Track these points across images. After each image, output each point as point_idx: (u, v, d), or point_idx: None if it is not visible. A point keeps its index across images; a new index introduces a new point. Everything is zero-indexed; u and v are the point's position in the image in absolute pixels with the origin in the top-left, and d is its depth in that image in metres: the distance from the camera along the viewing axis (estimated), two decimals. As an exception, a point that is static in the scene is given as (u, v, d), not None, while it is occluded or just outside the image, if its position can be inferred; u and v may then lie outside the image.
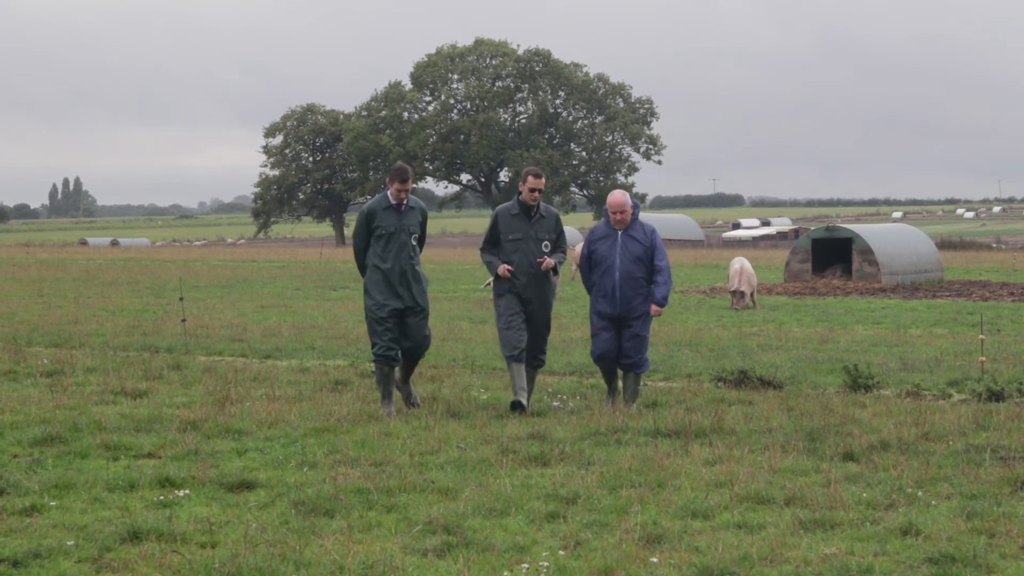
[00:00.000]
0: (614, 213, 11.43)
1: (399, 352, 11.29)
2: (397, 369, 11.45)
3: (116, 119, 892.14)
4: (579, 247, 39.37)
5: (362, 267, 11.50)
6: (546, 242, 11.53)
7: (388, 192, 11.36)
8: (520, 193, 11.58)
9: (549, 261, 11.48)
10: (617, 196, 11.54)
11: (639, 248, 11.39)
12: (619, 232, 11.44)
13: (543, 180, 11.52)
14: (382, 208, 11.29)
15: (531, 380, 11.63)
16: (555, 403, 11.81)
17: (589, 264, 11.62)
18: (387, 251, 11.24)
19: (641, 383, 11.78)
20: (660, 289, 11.44)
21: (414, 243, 11.36)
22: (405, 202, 11.29)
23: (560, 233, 11.68)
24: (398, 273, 11.23)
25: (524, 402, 11.26)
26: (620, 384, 11.80)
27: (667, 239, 70.54)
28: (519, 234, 11.47)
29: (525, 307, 11.47)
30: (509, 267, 11.41)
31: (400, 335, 11.29)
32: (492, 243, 11.60)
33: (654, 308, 11.43)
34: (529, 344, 11.49)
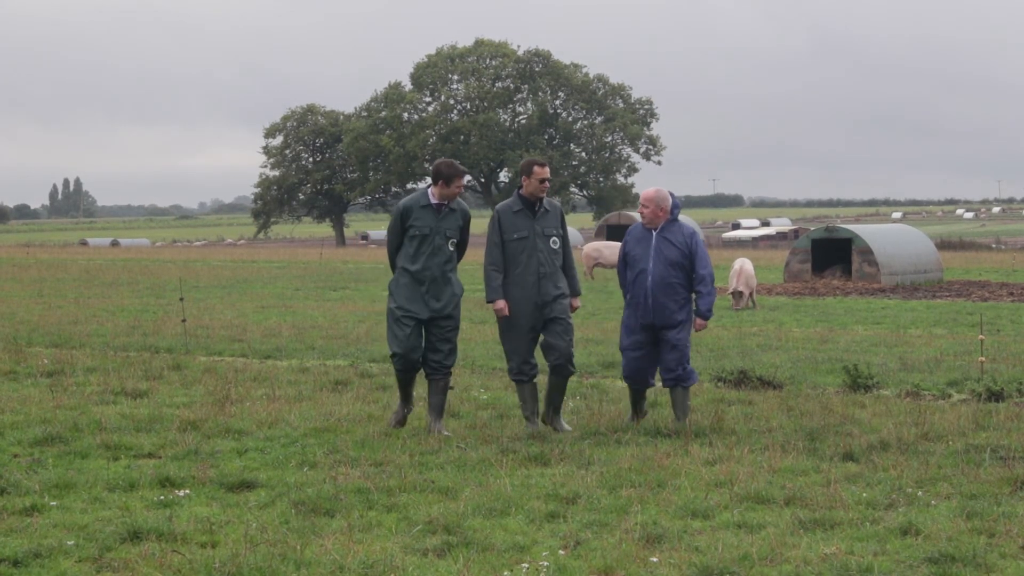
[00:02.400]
0: (640, 207, 10.53)
1: (420, 356, 10.21)
2: (430, 404, 10.33)
3: (116, 119, 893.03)
4: (586, 248, 39.15)
5: (394, 266, 10.47)
6: (554, 238, 10.44)
7: (428, 190, 10.32)
8: (521, 187, 10.49)
9: (576, 303, 10.50)
10: (648, 190, 10.54)
11: (675, 252, 10.36)
12: (654, 233, 10.46)
13: (548, 169, 10.52)
14: (419, 206, 10.23)
15: (560, 388, 10.48)
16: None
17: (626, 265, 10.65)
18: (419, 254, 10.18)
19: (690, 397, 10.77)
20: (705, 300, 10.39)
21: (451, 248, 10.26)
22: (447, 203, 10.28)
23: (565, 228, 10.62)
24: (428, 279, 10.16)
25: (536, 430, 10.30)
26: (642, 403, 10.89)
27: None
28: (524, 232, 10.37)
29: (540, 311, 10.33)
30: (505, 308, 10.32)
31: (422, 340, 10.23)
32: (498, 248, 10.41)
33: (699, 322, 10.47)
34: (552, 351, 10.37)
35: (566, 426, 10.43)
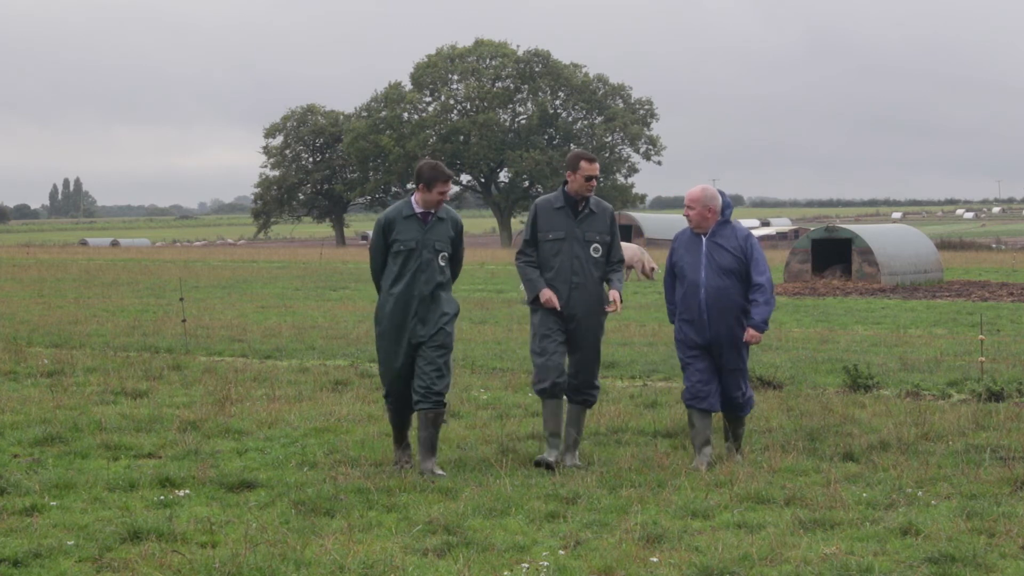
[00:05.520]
0: (685, 209, 9.24)
1: (411, 397, 8.93)
2: (420, 438, 8.96)
3: (117, 120, 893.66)
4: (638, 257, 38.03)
5: (379, 287, 9.11)
6: (596, 245, 9.18)
7: (412, 198, 9.01)
8: (566, 183, 9.25)
9: (615, 296, 9.24)
10: (694, 190, 9.20)
11: (728, 258, 9.07)
12: (704, 238, 9.16)
13: (597, 164, 9.23)
14: (402, 217, 8.92)
15: (578, 421, 9.23)
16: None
17: (673, 279, 9.36)
18: (404, 271, 8.86)
19: (744, 425, 9.61)
20: (759, 309, 9.03)
21: (442, 263, 8.94)
22: (433, 212, 8.99)
23: (615, 235, 9.30)
24: (416, 300, 8.84)
25: (551, 460, 8.96)
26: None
27: (667, 239, 70.26)
28: (561, 232, 9.16)
29: (567, 325, 9.15)
30: (554, 297, 9.08)
31: (414, 373, 8.91)
32: (532, 244, 9.28)
33: (750, 332, 9.06)
34: (574, 373, 9.23)
35: (577, 461, 9.13)
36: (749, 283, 9.10)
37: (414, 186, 9.06)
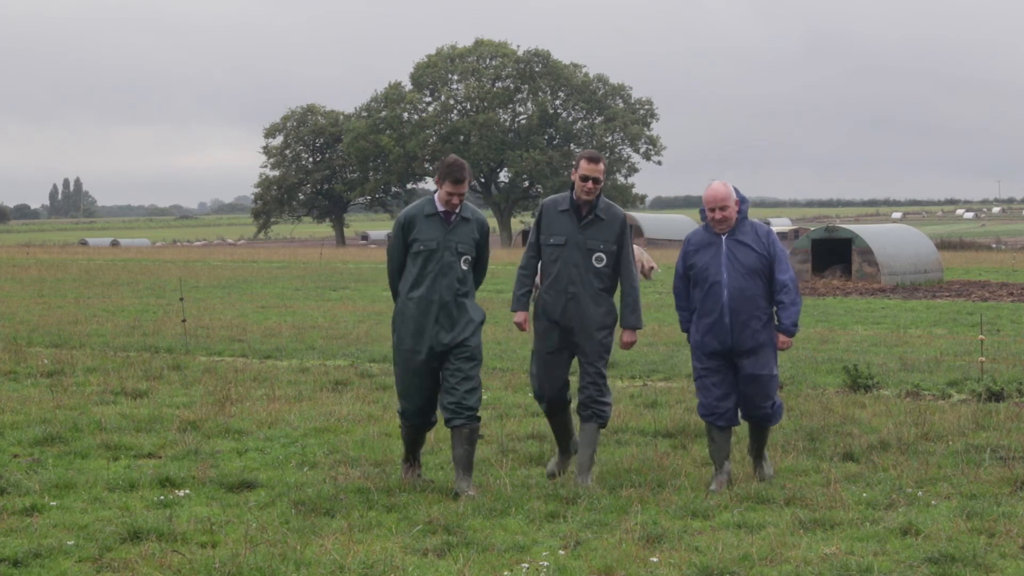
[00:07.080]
0: (713, 210, 8.45)
1: (434, 415, 8.45)
2: (454, 456, 8.31)
3: (116, 120, 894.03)
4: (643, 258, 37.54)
5: (396, 291, 8.51)
6: (599, 254, 8.46)
7: (435, 195, 8.40)
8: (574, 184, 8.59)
9: (628, 337, 8.61)
10: (717, 188, 8.45)
11: (752, 257, 8.44)
12: (723, 237, 8.49)
13: (601, 166, 8.44)
14: (424, 215, 8.31)
15: (590, 441, 8.48)
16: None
17: (686, 284, 8.69)
18: (424, 274, 8.24)
19: (769, 435, 8.95)
20: (789, 312, 8.49)
21: (464, 267, 8.32)
22: (457, 211, 8.39)
23: (624, 245, 8.54)
24: (437, 305, 8.23)
25: (553, 468, 8.69)
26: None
27: (668, 239, 70.39)
28: (562, 238, 8.48)
29: (567, 338, 8.56)
30: (524, 322, 8.66)
31: (439, 389, 8.33)
32: (535, 246, 8.69)
33: (783, 339, 8.58)
34: (581, 388, 8.55)
35: (589, 483, 8.39)
36: (772, 283, 8.52)
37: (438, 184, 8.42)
